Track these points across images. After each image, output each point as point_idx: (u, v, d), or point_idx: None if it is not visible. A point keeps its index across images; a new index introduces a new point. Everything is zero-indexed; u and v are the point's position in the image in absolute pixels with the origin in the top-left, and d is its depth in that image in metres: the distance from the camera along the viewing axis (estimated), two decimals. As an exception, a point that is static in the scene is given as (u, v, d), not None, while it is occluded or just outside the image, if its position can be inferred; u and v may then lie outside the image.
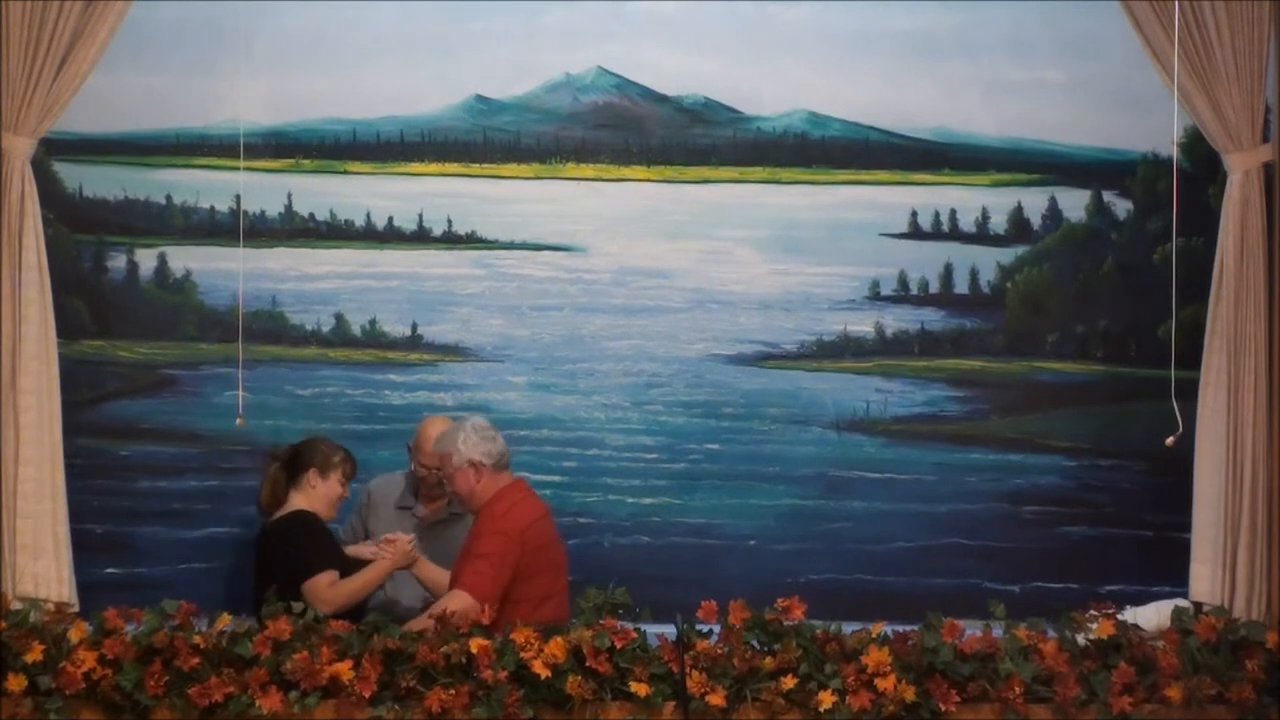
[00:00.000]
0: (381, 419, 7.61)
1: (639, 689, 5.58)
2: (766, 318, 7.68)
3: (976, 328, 7.67)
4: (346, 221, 7.67)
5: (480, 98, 7.67)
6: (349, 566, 6.58)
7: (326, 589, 6.37)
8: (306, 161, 7.62)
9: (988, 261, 7.67)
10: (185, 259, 7.58)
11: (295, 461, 6.69)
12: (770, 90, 7.64)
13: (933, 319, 7.69)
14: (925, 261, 7.67)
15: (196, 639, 5.66)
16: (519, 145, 7.68)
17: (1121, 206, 7.63)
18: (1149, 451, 7.17)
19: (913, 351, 7.69)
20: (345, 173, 7.65)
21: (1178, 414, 6.36)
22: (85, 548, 6.64)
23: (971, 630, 5.76)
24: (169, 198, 7.59)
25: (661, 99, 7.69)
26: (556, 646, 5.60)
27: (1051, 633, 5.79)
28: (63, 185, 7.48)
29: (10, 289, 6.13)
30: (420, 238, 7.67)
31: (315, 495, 6.63)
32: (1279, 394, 6.19)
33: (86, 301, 7.49)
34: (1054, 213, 7.65)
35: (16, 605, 5.96)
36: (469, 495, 6.38)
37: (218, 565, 7.43)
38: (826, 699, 5.58)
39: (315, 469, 6.64)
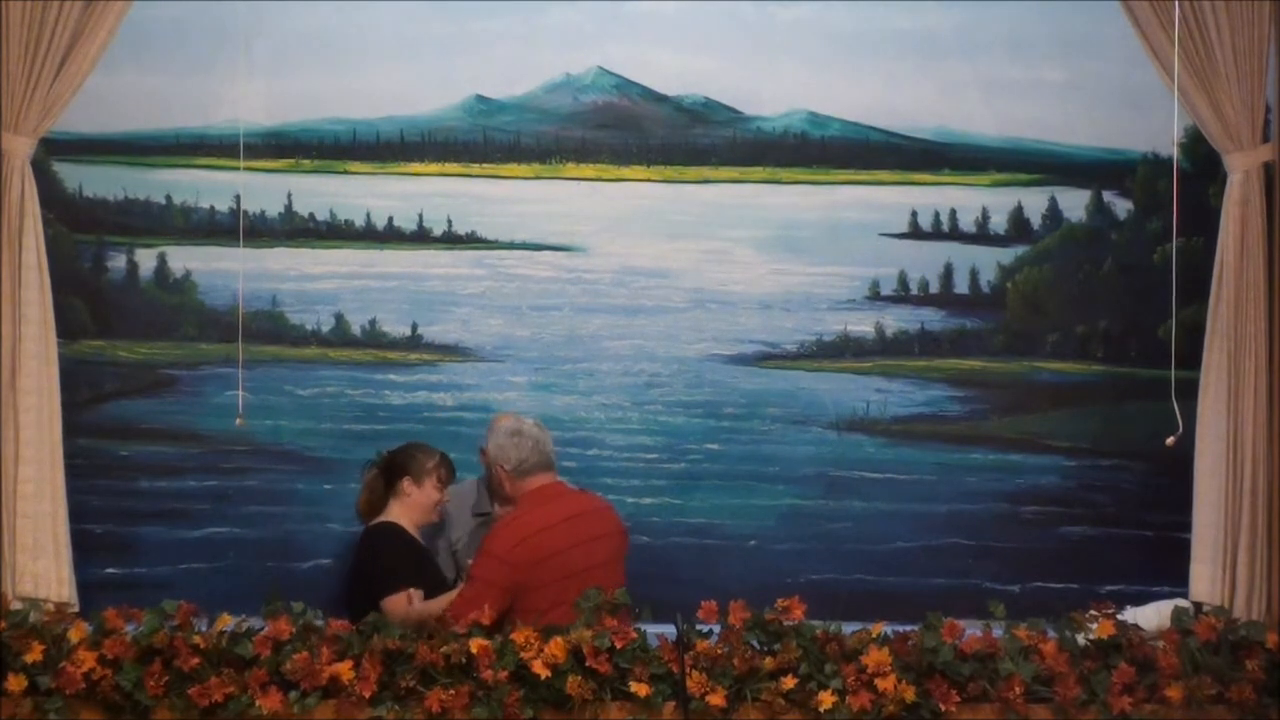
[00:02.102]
0: (381, 419, 7.61)
1: (639, 689, 5.58)
2: (766, 318, 7.68)
3: (976, 328, 7.67)
4: (346, 221, 7.67)
5: (480, 98, 7.67)
6: (438, 580, 6.54)
7: (403, 609, 6.31)
8: (306, 161, 7.62)
9: (988, 261, 7.67)
10: (185, 259, 7.59)
11: (391, 468, 6.67)
12: (770, 90, 7.64)
13: (933, 319, 7.68)
14: (925, 261, 7.67)
15: (196, 639, 5.65)
16: (519, 145, 7.68)
17: (1121, 206, 7.63)
18: (1149, 451, 7.16)
19: (913, 351, 7.69)
20: (345, 173, 7.65)
21: (1178, 414, 6.35)
22: (85, 548, 6.64)
23: (971, 630, 5.76)
24: (169, 198, 7.59)
25: (661, 99, 7.69)
26: (556, 646, 5.59)
27: (1051, 633, 5.79)
28: (63, 185, 7.48)
29: (10, 289, 6.13)
30: (420, 238, 7.67)
31: (411, 502, 6.61)
32: (1279, 394, 6.19)
33: (86, 301, 7.49)
34: (1054, 213, 7.65)
35: (16, 605, 5.96)
36: (506, 498, 6.39)
37: (218, 565, 7.43)
38: (826, 699, 5.58)
39: (410, 476, 6.62)
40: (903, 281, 7.68)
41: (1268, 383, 6.20)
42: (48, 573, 6.15)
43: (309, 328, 7.63)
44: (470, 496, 7.01)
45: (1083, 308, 7.62)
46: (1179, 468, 6.53)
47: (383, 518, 6.62)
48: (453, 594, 6.33)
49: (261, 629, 5.71)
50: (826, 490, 7.61)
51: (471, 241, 7.68)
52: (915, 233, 7.68)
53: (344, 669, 5.59)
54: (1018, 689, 5.63)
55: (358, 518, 6.74)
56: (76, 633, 5.74)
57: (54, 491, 6.19)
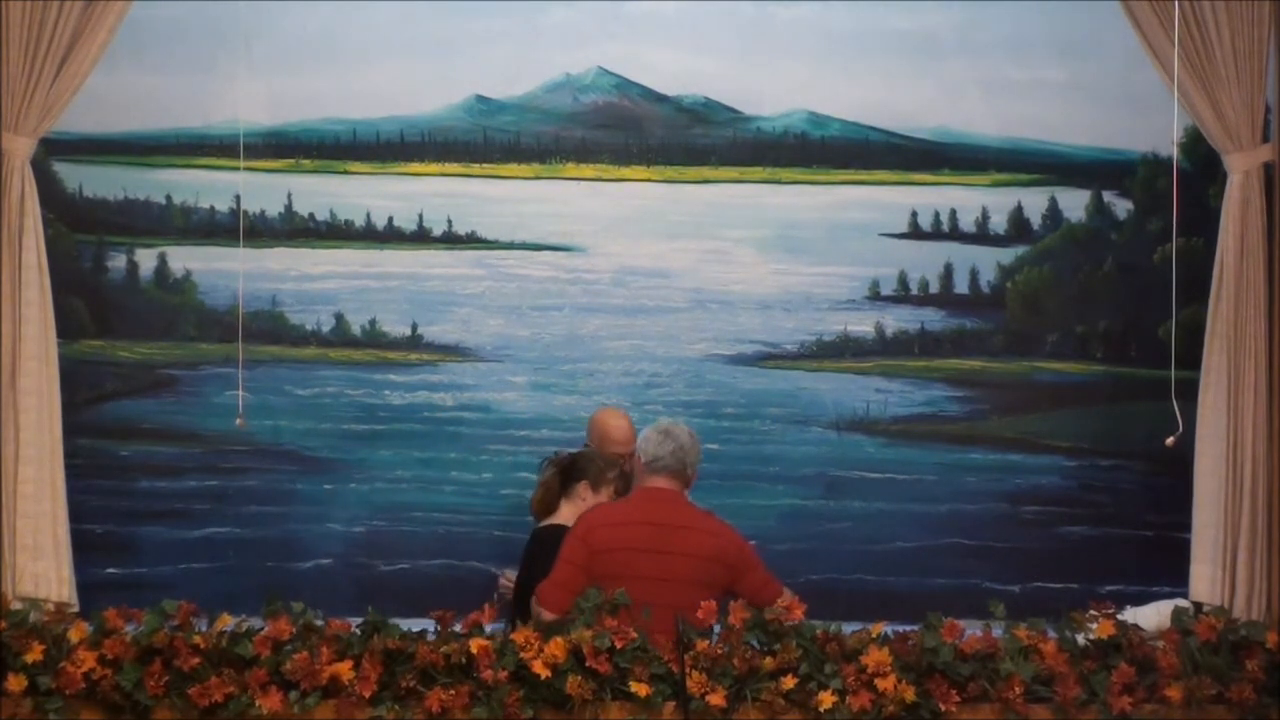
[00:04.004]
0: (381, 419, 7.61)
1: (639, 689, 5.57)
2: (766, 318, 7.69)
3: (976, 328, 7.68)
4: (346, 221, 7.67)
5: (480, 98, 7.67)
6: None
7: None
8: (306, 161, 7.63)
9: (988, 261, 7.67)
10: (185, 259, 7.59)
11: (570, 470, 6.60)
12: (770, 90, 7.64)
13: (933, 319, 7.69)
14: (925, 261, 7.67)
15: (196, 639, 5.65)
16: (519, 145, 7.69)
17: (1121, 206, 7.63)
18: (1149, 451, 7.17)
19: (913, 351, 7.69)
20: (345, 173, 7.66)
21: (1178, 414, 6.35)
22: (85, 548, 6.63)
23: (971, 630, 5.75)
24: (169, 198, 7.59)
25: (661, 99, 7.70)
26: (556, 646, 5.59)
27: (1051, 633, 5.78)
28: (63, 185, 7.49)
29: (10, 289, 6.13)
30: (420, 238, 7.67)
31: (584, 507, 6.53)
32: (1279, 394, 6.19)
33: (86, 301, 7.49)
34: (1054, 213, 7.65)
35: (16, 605, 5.95)
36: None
37: (218, 565, 7.43)
38: (826, 699, 5.57)
39: (588, 481, 6.56)
40: (903, 281, 7.68)
41: (1268, 383, 6.19)
42: (48, 573, 6.15)
43: (309, 328, 7.64)
44: None
45: (1083, 308, 7.62)
46: (1179, 468, 6.52)
47: (553, 520, 6.56)
48: None
49: (261, 629, 5.71)
50: (826, 490, 7.61)
51: (471, 241, 7.68)
52: (915, 233, 7.68)
53: (344, 669, 5.58)
54: (1018, 689, 5.62)
55: (531, 515, 6.69)
56: (76, 633, 5.73)
57: (54, 491, 6.19)
